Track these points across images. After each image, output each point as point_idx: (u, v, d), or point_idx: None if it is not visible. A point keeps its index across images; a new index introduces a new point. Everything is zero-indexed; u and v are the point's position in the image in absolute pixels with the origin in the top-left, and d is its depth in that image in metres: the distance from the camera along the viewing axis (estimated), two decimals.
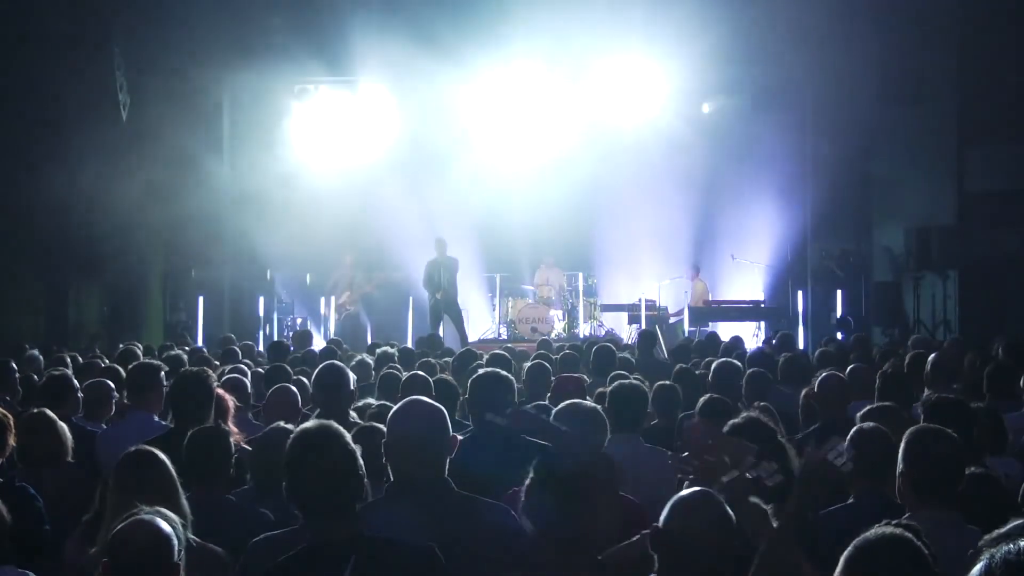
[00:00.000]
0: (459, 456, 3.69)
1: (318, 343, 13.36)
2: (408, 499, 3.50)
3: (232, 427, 5.37)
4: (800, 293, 17.14)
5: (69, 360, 9.29)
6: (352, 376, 5.62)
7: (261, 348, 13.30)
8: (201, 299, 16.64)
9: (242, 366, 8.37)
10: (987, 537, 2.37)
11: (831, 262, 16.84)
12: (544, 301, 17.92)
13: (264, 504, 4.28)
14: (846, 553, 2.59)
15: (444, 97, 17.00)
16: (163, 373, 6.24)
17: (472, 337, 16.32)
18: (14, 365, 7.78)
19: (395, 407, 3.84)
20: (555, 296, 18.03)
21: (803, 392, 6.64)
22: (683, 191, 17.09)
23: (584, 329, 17.75)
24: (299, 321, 17.65)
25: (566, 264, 18.51)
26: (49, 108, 14.57)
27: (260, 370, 8.48)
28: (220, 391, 5.69)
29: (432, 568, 3.11)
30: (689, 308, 16.74)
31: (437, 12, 15.44)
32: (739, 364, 7.42)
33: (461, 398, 5.67)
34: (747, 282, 17.44)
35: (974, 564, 1.78)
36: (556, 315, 17.91)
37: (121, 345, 11.21)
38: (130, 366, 6.70)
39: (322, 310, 17.76)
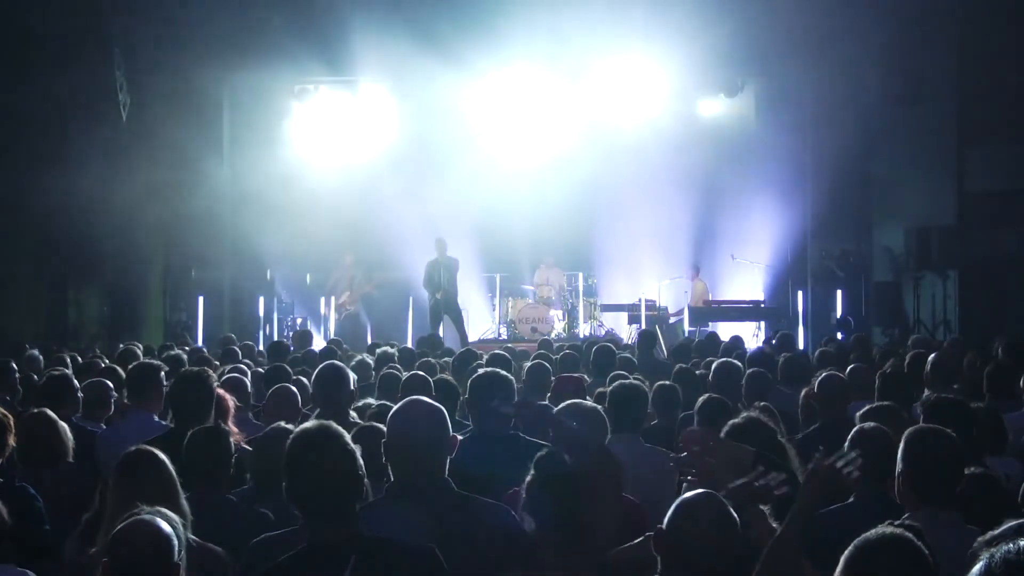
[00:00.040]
0: (459, 456, 3.69)
1: (318, 343, 13.36)
2: (408, 499, 3.50)
3: (232, 427, 5.37)
4: (800, 293, 17.14)
5: (69, 360, 9.29)
6: (352, 376, 5.62)
7: (261, 348, 13.29)
8: (201, 299, 16.63)
9: (242, 366, 8.37)
10: (980, 539, 2.37)
11: (831, 262, 16.83)
12: (544, 301, 17.92)
13: (264, 504, 4.28)
14: (846, 553, 2.59)
15: (444, 97, 17.01)
16: (163, 373, 6.24)
17: (472, 337, 16.32)
18: (14, 365, 7.78)
19: (395, 407, 3.84)
20: (555, 296, 18.04)
21: (803, 392, 6.64)
22: (683, 191, 17.09)
23: (584, 329, 17.75)
24: (299, 321, 17.65)
25: (566, 264, 18.51)
26: (49, 108, 14.58)
27: (260, 370, 8.47)
28: (220, 391, 5.69)
29: (432, 568, 3.11)
30: (689, 308, 16.74)
31: (437, 12, 15.45)
32: (739, 364, 7.42)
33: (461, 398, 5.67)
34: (747, 282, 17.44)
35: (973, 564, 1.78)
36: (556, 315, 17.91)
37: (121, 345, 11.21)
38: (130, 366, 6.70)
39: (322, 310, 17.76)
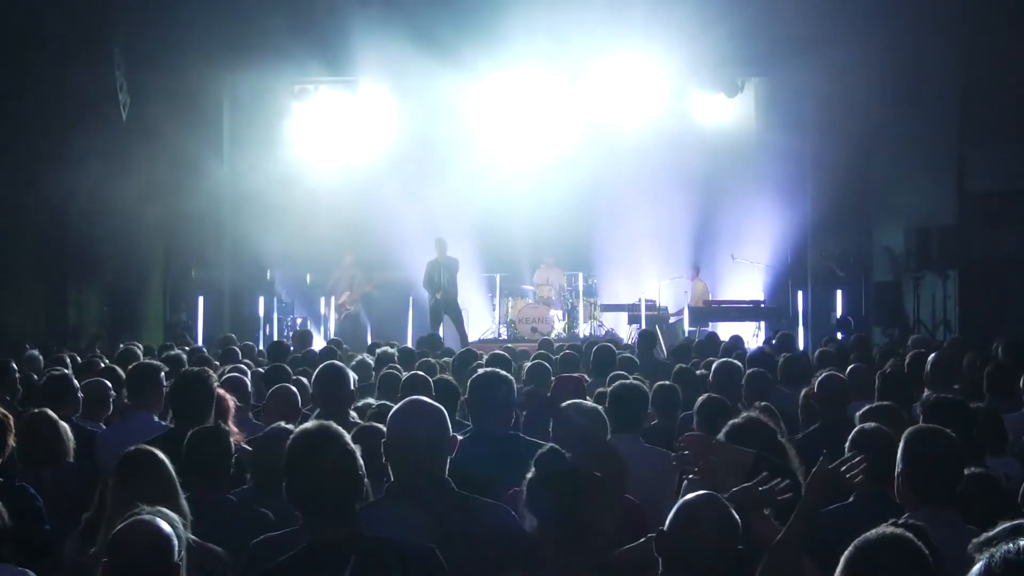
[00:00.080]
0: (459, 456, 3.69)
1: (318, 343, 13.36)
2: (408, 499, 3.50)
3: (232, 427, 5.37)
4: (800, 293, 17.13)
5: (69, 360, 9.29)
6: (352, 376, 5.62)
7: (261, 348, 13.29)
8: (201, 299, 16.62)
9: (242, 366, 8.37)
10: (975, 541, 2.37)
11: (831, 262, 16.82)
12: (544, 301, 17.93)
13: (264, 504, 4.28)
14: (846, 553, 2.59)
15: (444, 97, 17.01)
16: (163, 373, 6.25)
17: (472, 337, 16.33)
18: (14, 365, 7.78)
19: (395, 407, 3.84)
20: (555, 296, 18.04)
21: (803, 392, 6.65)
22: (683, 191, 17.09)
23: (584, 329, 17.75)
24: (299, 321, 17.65)
25: (566, 264, 18.51)
26: (49, 108, 14.58)
27: (260, 370, 8.47)
28: (221, 391, 5.69)
29: (433, 569, 3.10)
30: (689, 308, 16.74)
31: (437, 12, 15.45)
32: (739, 364, 7.42)
33: (461, 398, 5.68)
34: (747, 282, 17.43)
35: (973, 564, 1.78)
36: (556, 315, 17.91)
37: (121, 345, 11.21)
38: (130, 366, 6.70)
39: (322, 310, 17.76)
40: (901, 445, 3.83)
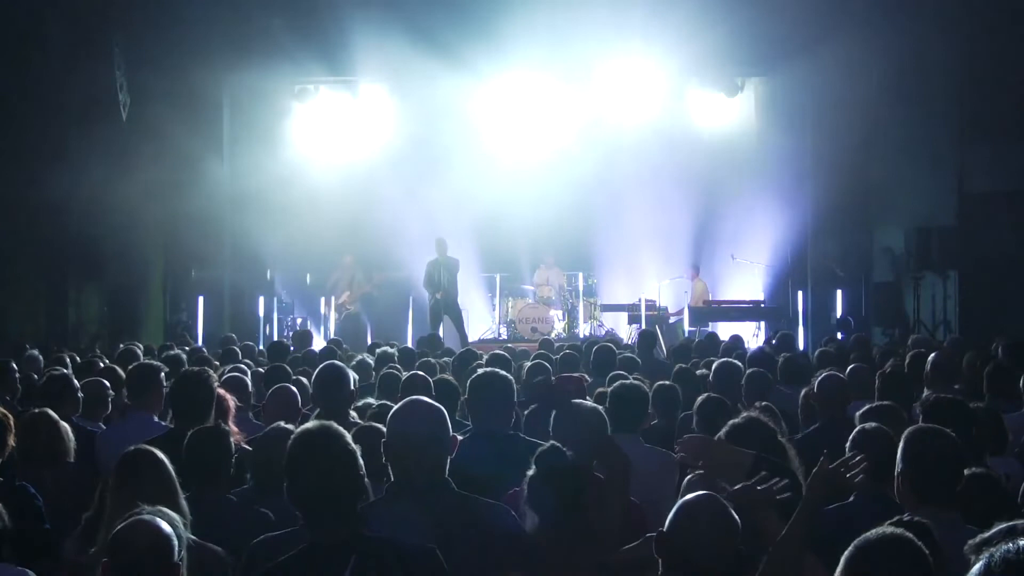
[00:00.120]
0: (459, 456, 3.69)
1: (318, 343, 13.36)
2: (408, 499, 3.50)
3: (232, 427, 5.37)
4: (800, 293, 17.13)
5: (68, 360, 9.29)
6: (352, 376, 5.62)
7: (261, 348, 13.29)
8: (201, 299, 16.63)
9: (242, 366, 8.37)
10: (971, 542, 2.37)
11: (831, 262, 16.83)
12: (544, 301, 17.93)
13: (264, 504, 4.28)
14: (846, 553, 2.59)
15: (444, 97, 17.01)
16: (163, 374, 6.24)
17: (472, 337, 16.33)
18: (14, 365, 7.78)
19: (395, 407, 3.84)
20: (555, 296, 18.04)
21: (803, 392, 6.65)
22: (683, 191, 17.09)
23: (584, 329, 17.75)
24: (299, 321, 17.65)
25: (566, 264, 18.52)
26: (49, 108, 14.58)
27: (260, 370, 8.47)
28: (221, 391, 5.69)
29: (433, 569, 3.10)
30: (689, 308, 16.74)
31: (437, 13, 15.45)
32: (739, 364, 7.42)
33: (461, 398, 5.68)
34: (747, 282, 17.43)
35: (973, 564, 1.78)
36: (556, 315, 17.92)
37: (121, 345, 11.20)
38: (130, 367, 6.70)
39: (322, 310, 17.76)
40: (901, 445, 3.83)
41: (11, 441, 4.97)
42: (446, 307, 15.82)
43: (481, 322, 18.10)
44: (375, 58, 15.70)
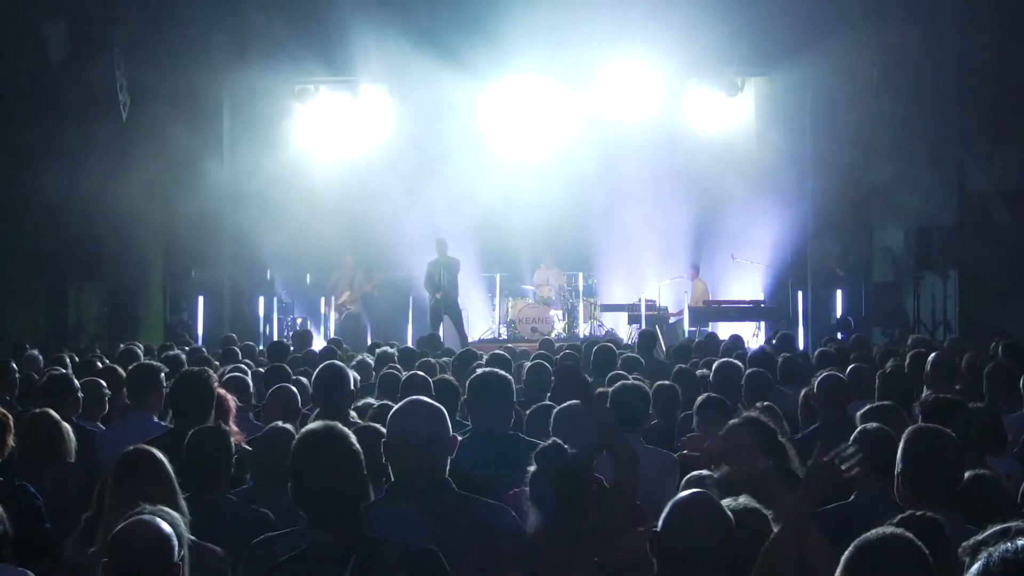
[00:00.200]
0: (459, 456, 3.69)
1: (318, 343, 13.36)
2: (408, 499, 3.50)
3: (233, 427, 5.37)
4: (800, 293, 17.12)
5: (68, 360, 9.29)
6: (354, 376, 5.62)
7: (261, 348, 13.29)
8: (201, 299, 16.62)
9: (243, 366, 8.37)
10: (965, 544, 2.37)
11: (831, 262, 16.82)
12: (544, 301, 17.93)
13: (264, 504, 4.27)
14: (847, 553, 2.59)
15: (444, 97, 16.99)
16: (163, 374, 6.24)
17: (472, 337, 16.33)
18: (14, 365, 7.78)
19: (395, 407, 3.84)
20: (555, 296, 18.04)
21: (803, 392, 6.65)
22: (683, 191, 17.07)
23: (584, 329, 17.75)
24: (299, 321, 17.64)
25: (566, 264, 18.51)
26: (49, 108, 14.58)
27: (260, 370, 8.47)
28: (222, 391, 5.69)
29: (434, 570, 3.10)
30: (689, 308, 16.73)
31: (437, 13, 15.45)
32: (739, 364, 7.42)
33: (461, 398, 5.68)
34: (747, 282, 17.42)
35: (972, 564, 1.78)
36: (556, 315, 17.91)
37: (121, 345, 11.20)
38: (130, 367, 6.69)
39: (322, 310, 17.75)
40: (901, 445, 3.84)
41: (11, 441, 4.97)
42: (446, 307, 15.82)
43: (481, 322, 18.10)
44: (375, 58, 15.69)
